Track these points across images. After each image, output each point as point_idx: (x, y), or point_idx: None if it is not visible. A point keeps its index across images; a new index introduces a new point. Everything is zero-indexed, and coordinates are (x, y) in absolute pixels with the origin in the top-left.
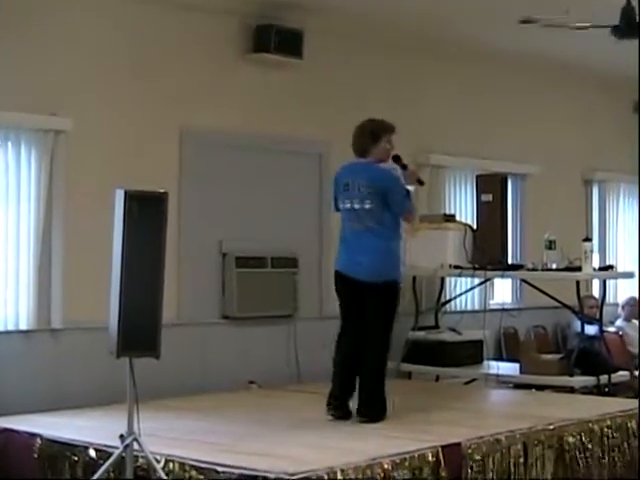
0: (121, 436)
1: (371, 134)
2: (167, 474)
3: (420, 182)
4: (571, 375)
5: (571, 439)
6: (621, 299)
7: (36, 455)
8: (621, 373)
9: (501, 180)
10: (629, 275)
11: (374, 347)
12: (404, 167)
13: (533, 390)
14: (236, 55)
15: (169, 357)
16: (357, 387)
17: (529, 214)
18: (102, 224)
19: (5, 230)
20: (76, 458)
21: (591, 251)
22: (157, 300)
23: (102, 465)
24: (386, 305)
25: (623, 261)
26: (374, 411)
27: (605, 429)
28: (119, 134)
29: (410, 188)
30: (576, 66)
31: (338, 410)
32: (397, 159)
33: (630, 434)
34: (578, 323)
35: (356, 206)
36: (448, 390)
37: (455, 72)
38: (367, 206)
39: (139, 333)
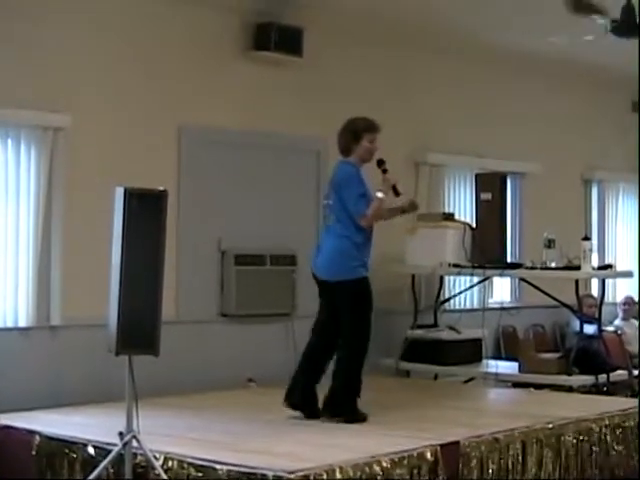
0: (120, 433)
1: (353, 133)
2: (166, 471)
3: (396, 192)
4: (570, 374)
5: (569, 438)
6: (620, 298)
7: (34, 452)
8: (619, 372)
9: (500, 179)
10: (628, 274)
11: (342, 346)
12: (384, 171)
13: (532, 389)
14: (236, 53)
15: (168, 355)
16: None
17: (528, 213)
18: (101, 221)
19: (4, 227)
20: (75, 455)
21: (590, 250)
22: (156, 298)
23: (101, 462)
24: (347, 304)
25: (622, 260)
26: (337, 410)
27: (603, 428)
28: (118, 131)
29: (379, 194)
30: (575, 65)
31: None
32: (380, 163)
33: (628, 433)
34: (577, 322)
35: (324, 202)
36: (447, 389)
37: (455, 71)
38: (330, 202)
39: (138, 331)
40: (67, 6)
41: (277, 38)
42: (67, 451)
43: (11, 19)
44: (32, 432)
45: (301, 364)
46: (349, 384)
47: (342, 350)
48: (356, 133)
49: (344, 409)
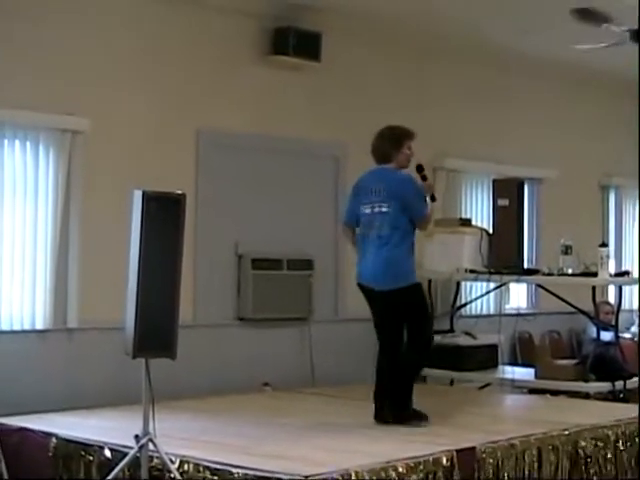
0: (136, 436)
1: (393, 140)
2: (182, 475)
3: (433, 198)
4: (586, 381)
5: (585, 445)
6: (637, 305)
7: (51, 454)
8: (636, 379)
9: (517, 184)
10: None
11: (410, 350)
12: (424, 178)
13: (548, 395)
14: (254, 57)
15: (184, 358)
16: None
17: (545, 219)
18: (119, 224)
19: (23, 230)
20: (91, 458)
21: (607, 256)
22: (174, 301)
23: (117, 465)
24: (411, 310)
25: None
26: (396, 415)
27: (619, 435)
28: (136, 134)
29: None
30: (594, 71)
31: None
32: (420, 169)
33: (637, 437)
34: (593, 329)
35: (375, 209)
36: (463, 394)
37: (473, 76)
38: (385, 209)
39: (155, 334)
40: (86, 10)
41: (295, 43)
42: (83, 453)
43: (30, 22)
44: (49, 434)
45: (377, 382)
46: (403, 387)
47: (410, 354)
48: (397, 140)
49: (401, 412)
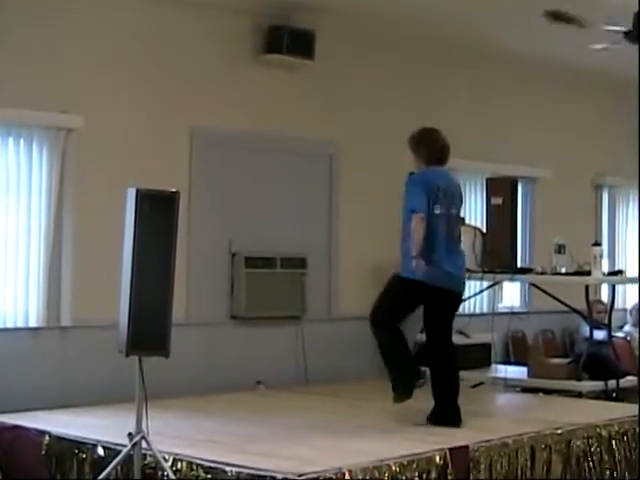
0: (129, 434)
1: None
2: (175, 473)
3: None
4: (579, 380)
5: (578, 443)
6: (630, 304)
7: (44, 452)
8: (629, 378)
9: (511, 183)
10: (638, 280)
11: (443, 356)
12: None
13: (541, 394)
14: (248, 56)
15: (177, 356)
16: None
17: (539, 218)
18: (112, 222)
19: (16, 227)
20: (84, 456)
21: (600, 256)
22: (167, 299)
23: (110, 463)
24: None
25: (632, 266)
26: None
27: (612, 434)
28: (130, 133)
29: None
30: (587, 70)
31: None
32: None
33: (637, 439)
34: (586, 328)
35: (436, 212)
36: None
37: (466, 75)
38: (454, 211)
39: (149, 332)
40: (80, 8)
41: (289, 41)
42: (76, 451)
43: (24, 21)
44: (42, 432)
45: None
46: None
47: (445, 359)
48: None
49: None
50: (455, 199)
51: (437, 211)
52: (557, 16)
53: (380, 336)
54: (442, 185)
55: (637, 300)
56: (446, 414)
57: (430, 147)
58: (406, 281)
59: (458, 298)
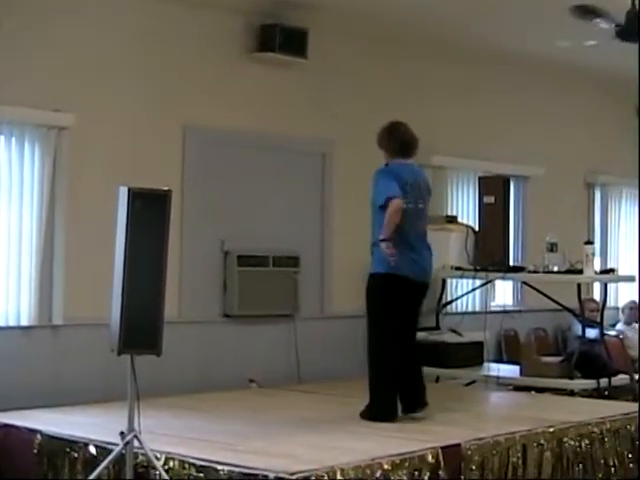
0: (121, 433)
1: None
2: (167, 472)
3: None
4: (571, 378)
5: (571, 442)
6: (622, 303)
7: (36, 451)
8: (621, 376)
9: (503, 182)
10: (630, 279)
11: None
12: None
13: (533, 392)
14: (240, 54)
15: (170, 355)
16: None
17: (531, 216)
18: (104, 221)
19: (8, 226)
20: (76, 454)
21: (592, 254)
22: (159, 297)
23: (102, 462)
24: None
25: (624, 265)
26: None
27: (605, 432)
28: (122, 131)
29: None
30: (579, 68)
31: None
32: None
33: (629, 437)
34: (579, 326)
35: (409, 205)
36: (448, 391)
37: (458, 73)
38: (421, 206)
39: (141, 330)
40: (71, 6)
41: (282, 39)
42: (68, 450)
43: (15, 19)
44: (33, 431)
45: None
46: (375, 382)
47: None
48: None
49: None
50: (423, 193)
51: (405, 205)
52: (586, 11)
53: (376, 370)
54: (410, 179)
55: (632, 298)
56: (385, 408)
57: (397, 140)
58: (378, 286)
59: (424, 289)
